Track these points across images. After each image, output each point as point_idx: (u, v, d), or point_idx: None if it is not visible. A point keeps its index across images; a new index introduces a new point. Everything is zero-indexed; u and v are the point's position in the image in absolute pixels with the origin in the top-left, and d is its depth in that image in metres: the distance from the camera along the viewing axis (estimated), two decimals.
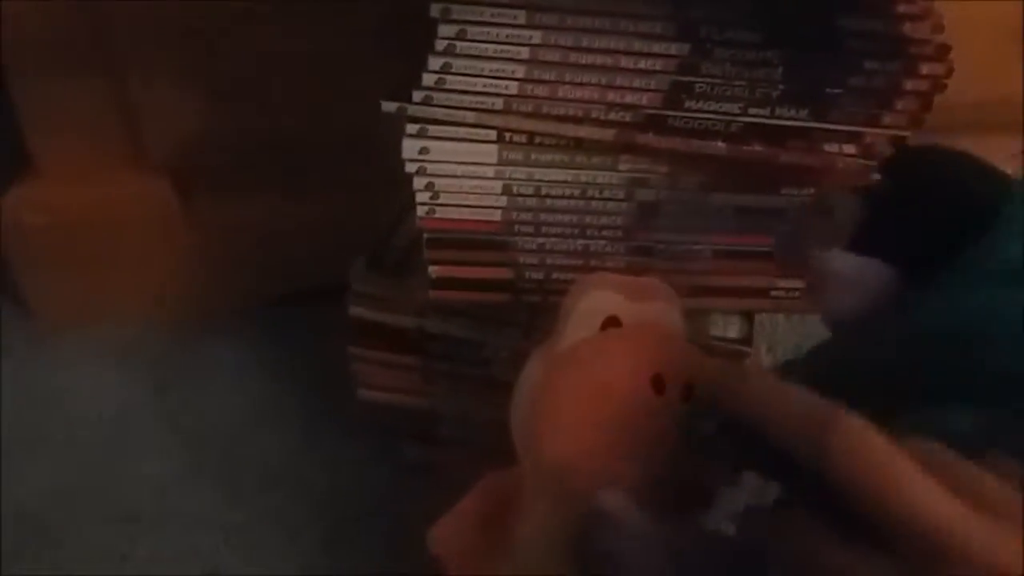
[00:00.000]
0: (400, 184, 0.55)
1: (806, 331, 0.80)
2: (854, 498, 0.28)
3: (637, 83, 0.50)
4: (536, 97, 0.51)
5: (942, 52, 0.50)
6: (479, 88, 0.50)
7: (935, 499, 0.27)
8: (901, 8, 0.49)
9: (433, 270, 0.56)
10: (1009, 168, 0.43)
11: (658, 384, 0.44)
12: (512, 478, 0.53)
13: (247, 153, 0.73)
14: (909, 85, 0.50)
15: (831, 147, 0.52)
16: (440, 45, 0.49)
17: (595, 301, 0.49)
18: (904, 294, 0.41)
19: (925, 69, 0.50)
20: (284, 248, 0.76)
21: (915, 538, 0.27)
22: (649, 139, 0.52)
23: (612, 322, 0.48)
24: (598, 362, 0.45)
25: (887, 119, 0.52)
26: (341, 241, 0.63)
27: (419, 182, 0.53)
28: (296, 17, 0.65)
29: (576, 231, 0.56)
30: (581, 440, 0.44)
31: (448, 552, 0.54)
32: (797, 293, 0.59)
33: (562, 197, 0.54)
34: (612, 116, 0.51)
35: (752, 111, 0.51)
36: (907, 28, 0.49)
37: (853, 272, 0.42)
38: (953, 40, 0.50)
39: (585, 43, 0.49)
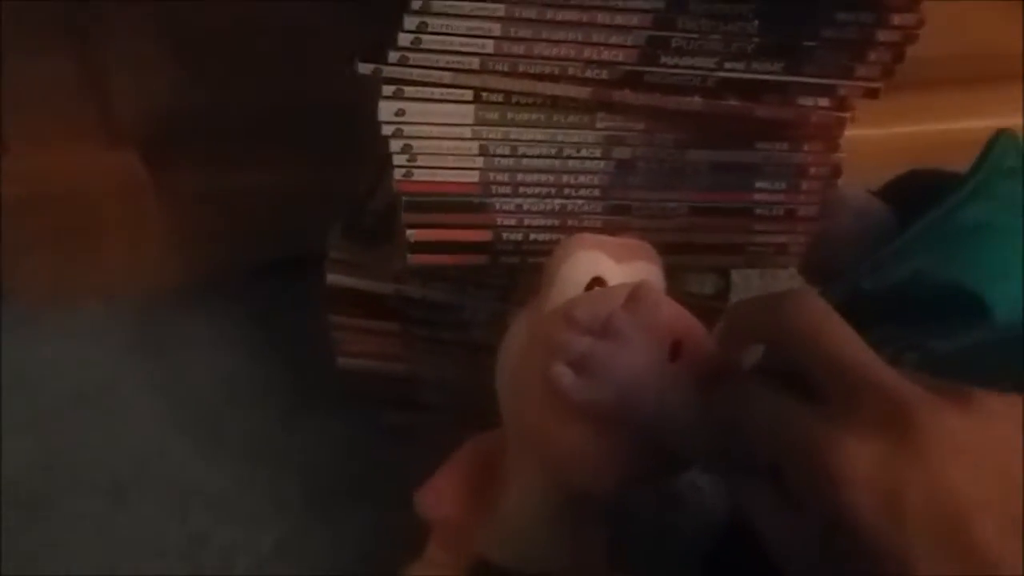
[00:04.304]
0: (374, 148, 0.54)
1: (780, 287, 0.81)
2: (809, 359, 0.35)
3: (613, 39, 0.50)
4: (512, 56, 0.51)
5: (913, 2, 0.50)
6: (455, 47, 0.50)
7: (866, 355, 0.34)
8: None
9: (411, 234, 0.56)
10: None
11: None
12: (495, 440, 0.53)
13: (218, 122, 0.72)
14: (881, 36, 0.51)
15: (805, 100, 0.53)
16: (416, 4, 0.48)
17: (580, 262, 0.49)
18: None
19: (896, 20, 0.51)
20: (259, 218, 0.75)
21: (849, 385, 0.33)
22: (626, 96, 0.52)
23: (597, 283, 0.49)
24: None
25: (860, 71, 0.52)
26: (317, 209, 0.63)
27: (396, 144, 0.53)
28: None
29: (553, 191, 0.56)
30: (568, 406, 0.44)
31: (435, 515, 0.54)
32: (772, 249, 0.59)
33: (539, 156, 0.55)
34: (588, 73, 0.51)
35: (728, 65, 0.52)
36: None
37: (862, 204, 0.47)
38: None
39: None
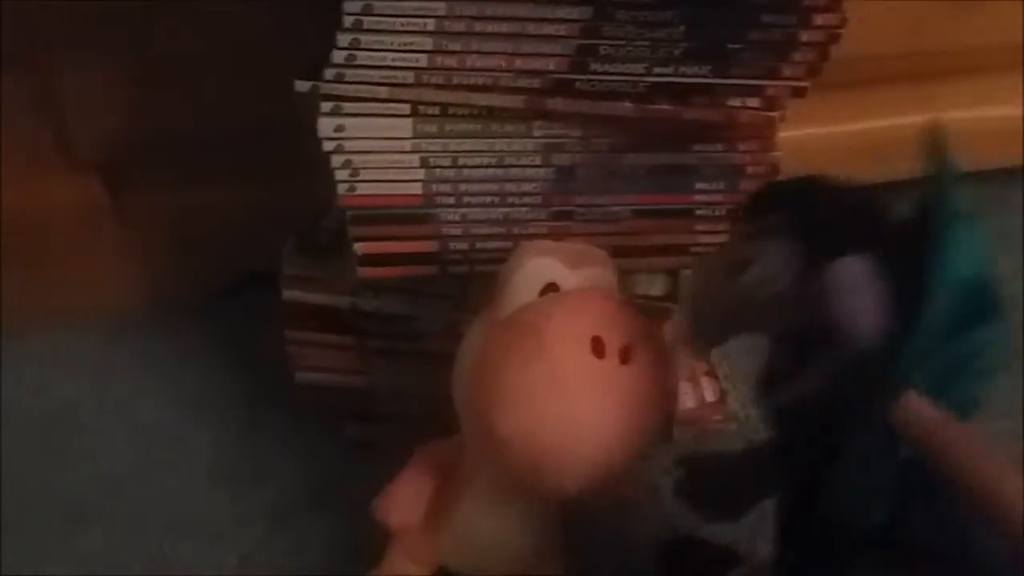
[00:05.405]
0: (326, 166, 0.55)
1: None
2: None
3: (543, 49, 0.52)
4: (445, 68, 0.52)
5: (835, 3, 0.51)
6: (389, 62, 0.51)
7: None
8: None
9: (359, 247, 0.57)
10: None
11: (597, 347, 0.45)
12: (451, 447, 0.54)
13: (175, 144, 0.73)
14: (805, 36, 0.52)
15: (734, 101, 0.54)
16: (347, 21, 0.49)
17: (533, 268, 0.50)
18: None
19: (819, 20, 0.52)
20: (219, 237, 0.76)
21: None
22: (558, 103, 0.53)
23: (551, 288, 0.49)
24: (538, 328, 0.46)
25: (786, 71, 0.53)
26: (277, 227, 0.64)
27: (337, 160, 0.54)
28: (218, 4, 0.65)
29: (496, 199, 0.57)
30: (523, 408, 0.45)
31: (392, 522, 0.55)
32: (716, 248, 0.60)
33: (479, 167, 0.56)
34: (520, 83, 0.52)
35: (656, 70, 0.53)
36: None
37: (864, 278, 0.38)
38: None
39: (489, 11, 0.50)
